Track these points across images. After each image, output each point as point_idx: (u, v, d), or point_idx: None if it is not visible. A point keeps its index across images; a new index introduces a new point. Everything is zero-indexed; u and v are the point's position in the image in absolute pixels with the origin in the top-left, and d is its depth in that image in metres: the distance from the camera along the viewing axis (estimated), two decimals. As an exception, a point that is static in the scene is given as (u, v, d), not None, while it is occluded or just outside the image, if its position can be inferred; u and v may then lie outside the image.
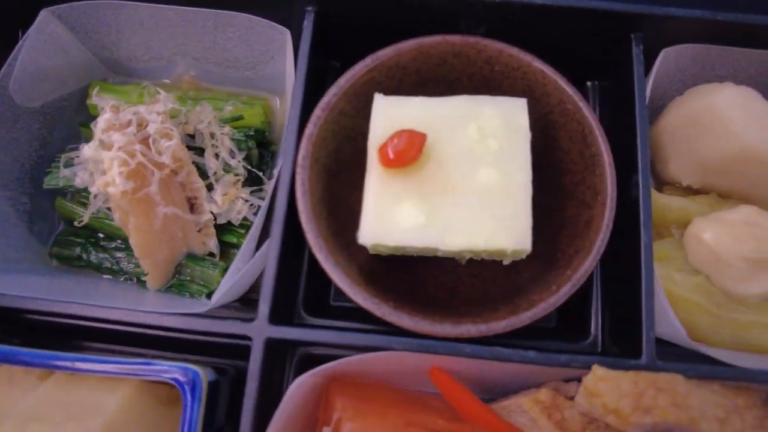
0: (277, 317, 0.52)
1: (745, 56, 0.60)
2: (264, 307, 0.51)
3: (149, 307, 0.53)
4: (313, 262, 0.55)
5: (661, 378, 0.47)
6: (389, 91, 0.57)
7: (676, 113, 0.61)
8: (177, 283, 0.61)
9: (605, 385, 0.46)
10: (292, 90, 0.56)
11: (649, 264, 0.52)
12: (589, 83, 0.66)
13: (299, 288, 0.60)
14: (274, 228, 0.52)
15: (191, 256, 0.61)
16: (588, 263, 0.52)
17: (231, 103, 0.64)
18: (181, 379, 0.49)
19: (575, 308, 0.61)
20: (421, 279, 0.61)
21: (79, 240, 0.63)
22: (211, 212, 0.60)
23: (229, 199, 0.60)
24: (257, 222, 0.53)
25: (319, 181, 0.55)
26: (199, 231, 0.61)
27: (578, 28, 0.59)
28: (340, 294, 0.54)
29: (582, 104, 0.56)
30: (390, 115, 0.52)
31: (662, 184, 0.66)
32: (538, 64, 0.57)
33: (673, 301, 0.58)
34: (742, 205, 0.60)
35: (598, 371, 0.47)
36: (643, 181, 0.54)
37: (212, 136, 0.60)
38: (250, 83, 0.68)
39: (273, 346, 0.51)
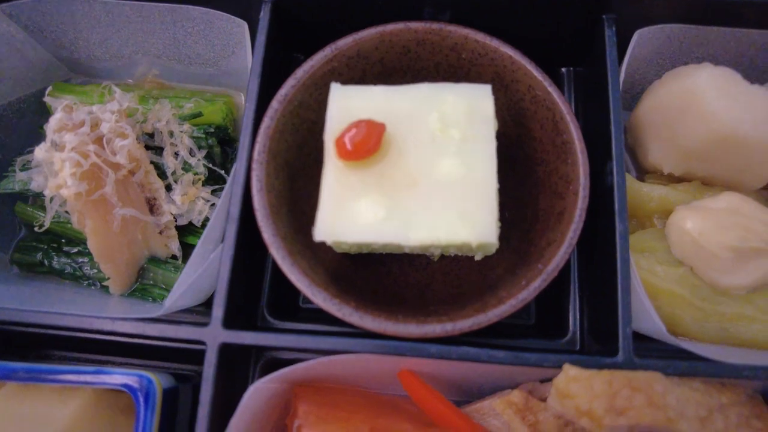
0: (233, 321, 0.49)
1: (724, 36, 0.57)
2: (218, 311, 0.48)
3: (110, 313, 0.51)
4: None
5: (637, 377, 0.44)
6: (352, 81, 0.55)
7: (654, 98, 0.58)
8: (140, 288, 0.59)
9: (577, 386, 0.44)
10: (248, 83, 0.53)
11: (625, 255, 0.49)
12: (564, 70, 0.64)
13: (263, 290, 0.57)
14: (228, 227, 0.50)
15: (153, 260, 0.59)
16: (559, 256, 0.49)
17: (193, 100, 0.62)
18: (134, 386, 0.47)
19: (554, 304, 0.59)
20: (393, 278, 0.59)
21: (42, 246, 0.61)
22: (172, 213, 0.58)
23: (189, 199, 0.58)
24: (212, 222, 0.51)
25: (278, 176, 0.53)
26: (161, 233, 0.59)
27: (548, 11, 0.56)
28: (309, 296, 0.52)
29: (552, 89, 0.53)
30: (347, 105, 0.50)
31: (644, 172, 0.63)
32: (506, 50, 0.54)
33: (655, 295, 0.55)
34: (725, 193, 0.57)
35: (569, 371, 0.44)
36: (618, 169, 0.51)
37: (171, 134, 0.58)
38: (214, 80, 0.66)
39: (230, 351, 0.49)
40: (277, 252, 0.49)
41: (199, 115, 0.59)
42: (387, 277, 0.58)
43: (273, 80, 0.56)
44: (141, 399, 0.47)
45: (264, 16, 0.56)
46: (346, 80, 0.55)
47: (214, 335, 0.48)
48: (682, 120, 0.55)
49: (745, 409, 0.48)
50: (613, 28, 0.55)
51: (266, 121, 0.52)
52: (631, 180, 0.59)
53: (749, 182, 0.57)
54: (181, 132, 0.58)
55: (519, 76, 0.55)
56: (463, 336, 0.54)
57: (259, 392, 0.48)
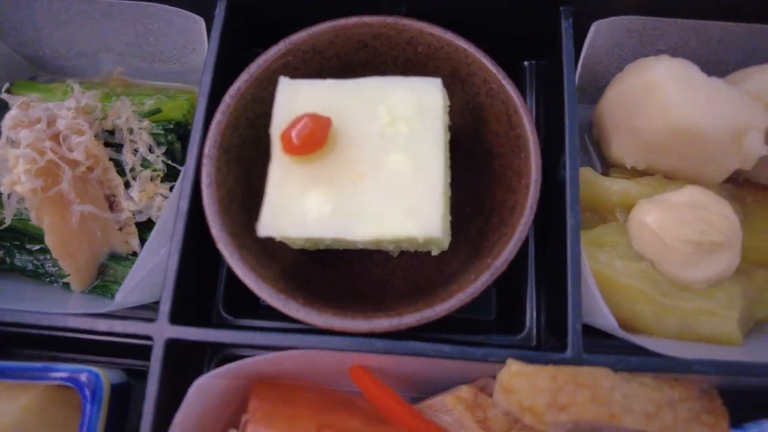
0: (182, 317, 0.49)
1: (684, 28, 0.57)
2: (164, 306, 0.48)
3: (69, 310, 0.51)
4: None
5: (582, 372, 0.43)
6: (309, 75, 0.55)
7: (614, 90, 0.57)
8: (100, 284, 0.59)
9: (520, 381, 0.43)
10: (201, 79, 0.53)
11: (576, 250, 0.48)
12: (526, 63, 0.63)
13: (219, 287, 0.57)
14: (177, 222, 0.50)
15: (114, 256, 0.59)
16: (508, 251, 0.49)
17: (156, 97, 0.62)
18: (80, 381, 0.47)
19: (513, 300, 0.58)
20: (353, 274, 0.58)
21: (4, 243, 0.61)
22: (131, 210, 0.58)
23: (147, 196, 0.58)
24: (162, 218, 0.51)
25: (230, 171, 0.52)
26: (121, 229, 0.59)
27: (506, 4, 0.56)
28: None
29: (506, 82, 0.53)
30: (294, 99, 0.50)
31: (609, 166, 0.62)
32: (461, 43, 0.54)
33: (615, 290, 0.54)
34: (687, 186, 0.56)
35: (512, 366, 0.44)
36: (571, 162, 0.50)
37: (131, 131, 0.58)
38: (179, 77, 0.66)
39: (179, 347, 0.49)
40: (224, 247, 0.49)
41: (158, 111, 0.59)
42: (346, 274, 0.58)
43: (230, 76, 0.55)
44: (87, 394, 0.47)
45: (219, 12, 0.56)
46: (303, 74, 0.55)
47: (161, 330, 0.48)
48: (640, 113, 0.55)
49: (697, 404, 0.47)
50: (570, 20, 0.54)
51: (218, 116, 0.52)
52: (592, 174, 0.59)
53: (710, 176, 0.56)
54: (141, 129, 0.58)
55: (474, 70, 0.54)
56: (422, 331, 0.54)
57: (205, 387, 0.48)
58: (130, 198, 0.57)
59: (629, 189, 0.58)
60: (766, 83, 0.54)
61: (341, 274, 0.58)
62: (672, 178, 0.59)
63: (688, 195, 0.55)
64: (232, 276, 0.58)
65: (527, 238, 0.57)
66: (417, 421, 0.49)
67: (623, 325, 0.55)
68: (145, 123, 0.59)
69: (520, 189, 0.51)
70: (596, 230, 0.57)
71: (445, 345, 0.46)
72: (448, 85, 0.56)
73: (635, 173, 0.60)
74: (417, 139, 0.48)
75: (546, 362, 0.45)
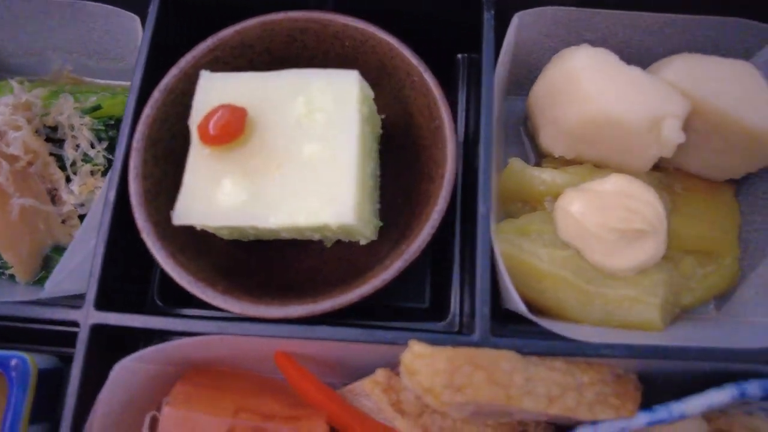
0: (110, 303, 0.51)
1: (609, 19, 0.57)
2: (90, 293, 0.50)
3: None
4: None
5: (481, 355, 0.44)
6: (239, 70, 0.56)
7: (540, 82, 0.58)
8: (44, 276, 0.61)
9: (421, 363, 0.44)
10: (133, 75, 0.55)
11: (486, 237, 0.49)
12: (459, 56, 0.64)
13: (154, 277, 0.59)
14: (104, 212, 0.52)
15: (58, 248, 0.61)
16: (421, 238, 0.50)
17: (100, 95, 0.64)
18: (9, 366, 0.49)
19: (443, 287, 0.59)
20: (286, 264, 0.60)
21: (-44, 236, 0.63)
22: (72, 203, 0.60)
23: (88, 189, 0.59)
24: (92, 208, 0.53)
25: (158, 164, 0.54)
26: (64, 222, 0.61)
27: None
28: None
29: (426, 75, 0.54)
30: (214, 91, 0.51)
31: (542, 157, 0.63)
32: (384, 36, 0.55)
33: (539, 277, 0.55)
34: (613, 175, 0.56)
35: (414, 348, 0.45)
36: (484, 152, 0.51)
37: (72, 127, 0.60)
38: (125, 75, 0.67)
39: (106, 333, 0.50)
40: (147, 237, 0.51)
41: (99, 108, 0.61)
42: (280, 264, 0.59)
43: (165, 72, 0.57)
44: (13, 377, 0.48)
45: (152, 9, 0.57)
46: (233, 69, 0.56)
47: (86, 316, 0.49)
48: (562, 102, 0.56)
49: (608, 388, 0.48)
50: (492, 12, 0.55)
51: (146, 110, 0.54)
52: (521, 164, 0.60)
53: (635, 164, 0.57)
54: (82, 125, 0.60)
55: (398, 63, 0.56)
56: (357, 318, 0.56)
57: (129, 371, 0.49)
58: (71, 192, 0.59)
59: (557, 178, 0.58)
60: (684, 71, 0.54)
61: (274, 265, 0.59)
62: (601, 167, 0.59)
63: (612, 183, 0.56)
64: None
65: (451, 226, 0.58)
66: (335, 405, 0.50)
67: (549, 312, 0.56)
68: (87, 119, 0.61)
69: (437, 179, 0.52)
70: (522, 219, 0.58)
71: (352, 329, 0.47)
72: (377, 79, 0.58)
73: (567, 163, 0.61)
74: (333, 129, 0.50)
75: (453, 345, 0.46)
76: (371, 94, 0.54)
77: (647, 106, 0.52)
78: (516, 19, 0.56)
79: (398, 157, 0.60)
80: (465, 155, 0.58)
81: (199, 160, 0.50)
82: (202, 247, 0.55)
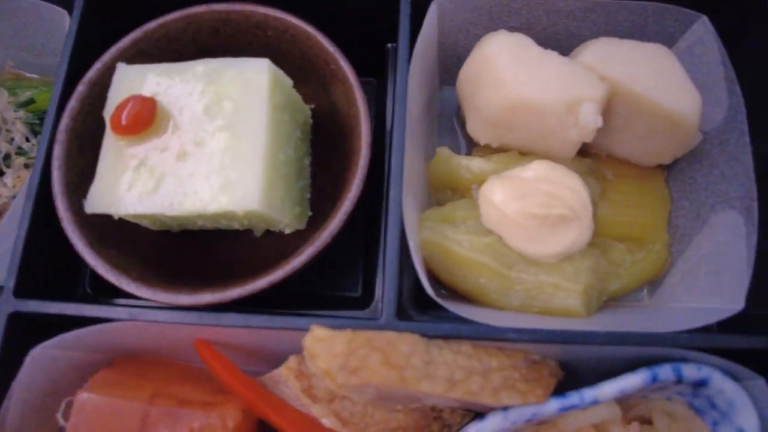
0: (33, 292, 0.52)
1: (532, 4, 0.57)
2: (9, 280, 0.51)
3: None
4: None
5: (379, 337, 0.45)
6: (166, 62, 0.57)
7: (463, 69, 0.58)
8: (-18, 267, 0.62)
9: (321, 346, 0.45)
10: (58, 68, 0.56)
11: (395, 222, 0.50)
12: (389, 46, 0.64)
13: (86, 266, 0.60)
14: (25, 203, 0.53)
15: (-5, 240, 0.62)
16: (333, 225, 0.50)
17: (37, 89, 0.65)
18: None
19: (373, 275, 0.59)
20: (217, 254, 0.60)
21: None
22: (6, 196, 0.61)
23: (21, 182, 0.60)
24: (16, 200, 0.54)
25: (82, 155, 0.55)
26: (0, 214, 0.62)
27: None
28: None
29: (343, 63, 0.55)
30: (129, 83, 0.52)
31: (473, 146, 0.63)
32: (303, 26, 0.56)
33: (460, 263, 0.55)
34: (535, 161, 0.56)
35: (315, 332, 0.45)
36: (397, 139, 0.51)
37: (5, 120, 0.61)
38: (66, 70, 0.68)
39: (27, 321, 0.51)
40: (67, 225, 0.51)
41: (32, 102, 0.62)
42: (209, 254, 0.60)
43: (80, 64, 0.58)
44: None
45: (78, 3, 0.58)
46: (159, 61, 0.56)
47: (5, 304, 0.50)
48: (481, 90, 0.56)
49: (517, 374, 0.48)
50: (409, 1, 0.55)
51: (71, 103, 0.55)
52: (448, 153, 0.60)
53: (558, 150, 0.56)
54: (16, 118, 0.61)
55: (317, 51, 0.56)
56: (283, 307, 0.57)
57: (46, 358, 0.50)
58: (5, 184, 0.60)
59: (482, 166, 0.58)
60: (601, 55, 0.54)
61: (203, 255, 0.60)
62: (526, 155, 0.59)
63: (534, 170, 0.56)
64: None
65: (373, 213, 0.59)
66: (250, 393, 0.51)
67: (472, 298, 0.56)
68: (21, 113, 0.62)
69: (353, 167, 0.53)
70: (447, 207, 0.58)
71: (258, 316, 0.48)
72: (301, 68, 0.58)
73: (495, 151, 0.61)
74: (241, 117, 0.50)
75: (359, 328, 0.46)
76: (288, 82, 0.55)
77: (563, 90, 0.52)
78: (434, 8, 0.56)
79: (327, 146, 0.60)
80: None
81: (111, 150, 0.51)
82: (128, 237, 0.56)
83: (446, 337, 0.47)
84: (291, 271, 0.49)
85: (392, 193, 0.50)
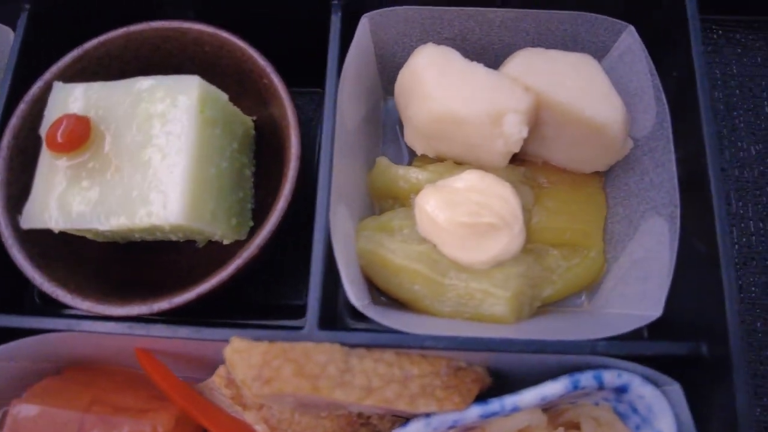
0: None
1: (463, 16, 0.58)
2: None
3: None
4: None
5: (295, 348, 0.46)
6: (109, 79, 0.58)
7: (397, 81, 0.59)
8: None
9: (238, 357, 0.46)
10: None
11: (321, 229, 0.51)
12: (330, 58, 0.65)
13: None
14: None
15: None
16: (259, 238, 0.52)
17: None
18: None
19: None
20: (161, 264, 0.62)
21: None
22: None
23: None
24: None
25: (25, 171, 0.56)
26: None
27: (281, 3, 0.58)
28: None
29: (273, 76, 0.56)
30: (65, 101, 0.54)
31: (413, 155, 0.64)
32: (236, 41, 0.57)
33: (395, 271, 0.56)
34: (467, 171, 0.57)
35: (234, 343, 0.47)
36: (324, 148, 0.52)
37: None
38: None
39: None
40: (8, 240, 0.53)
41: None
42: (157, 265, 0.62)
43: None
44: None
45: (21, 22, 0.60)
46: (102, 78, 0.58)
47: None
48: (412, 101, 0.57)
49: (437, 380, 0.49)
50: (339, 14, 0.56)
51: (13, 120, 0.57)
52: (386, 163, 0.61)
53: (489, 160, 0.57)
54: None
55: (251, 66, 0.57)
56: (226, 317, 0.58)
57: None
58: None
59: (418, 176, 0.59)
60: (525, 65, 0.55)
61: (147, 265, 0.61)
62: (462, 164, 0.60)
63: (465, 179, 0.57)
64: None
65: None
66: (183, 399, 0.52)
67: (407, 305, 0.58)
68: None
69: (284, 178, 0.54)
70: (384, 216, 0.59)
71: (183, 327, 0.49)
72: (240, 81, 0.60)
73: (433, 161, 0.62)
74: (171, 134, 0.51)
75: (283, 339, 0.47)
76: (223, 96, 0.56)
77: (487, 102, 0.53)
78: (366, 21, 0.57)
79: (270, 157, 0.62)
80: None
81: (47, 166, 0.53)
82: (75, 249, 0.58)
83: (366, 346, 0.48)
84: (218, 284, 0.51)
85: (318, 204, 0.51)
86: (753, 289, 0.64)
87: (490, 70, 0.55)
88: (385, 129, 0.67)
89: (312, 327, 0.49)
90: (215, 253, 0.61)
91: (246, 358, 0.46)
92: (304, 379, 0.44)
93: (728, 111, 0.69)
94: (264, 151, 0.63)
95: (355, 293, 0.50)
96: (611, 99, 0.53)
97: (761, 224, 0.66)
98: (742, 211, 0.66)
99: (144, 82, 0.53)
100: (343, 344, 0.48)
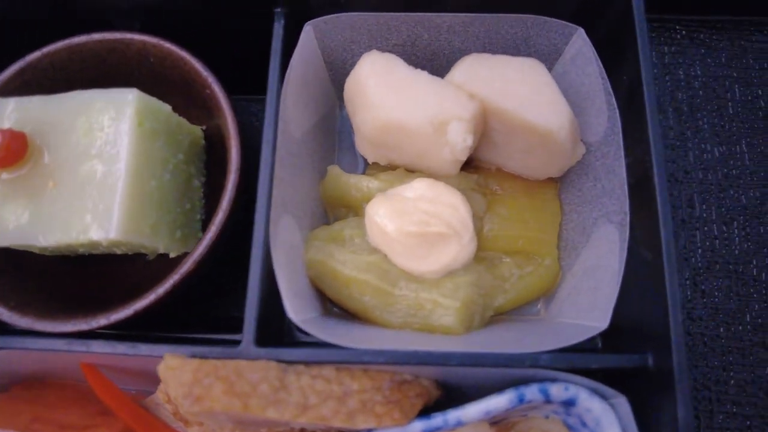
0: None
1: (409, 22, 0.57)
2: None
3: None
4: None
5: (226, 366, 0.45)
6: (55, 92, 0.58)
7: (344, 90, 0.58)
8: None
9: (171, 374, 0.45)
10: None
11: (259, 242, 0.49)
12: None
13: None
14: None
15: None
16: (200, 250, 0.51)
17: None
18: None
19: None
20: (113, 277, 0.61)
21: None
22: None
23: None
24: None
25: (-32, 186, 0.56)
26: None
27: (224, 13, 0.57)
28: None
29: (215, 86, 0.55)
30: (2, 116, 0.53)
31: (367, 164, 0.63)
32: (179, 52, 0.56)
33: (345, 282, 0.55)
34: (417, 179, 0.56)
35: (167, 360, 0.46)
36: (264, 158, 0.51)
37: None
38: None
39: None
40: (-53, 256, 0.53)
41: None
42: (107, 278, 0.61)
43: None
44: None
45: (-37, 36, 0.59)
46: (48, 91, 0.57)
47: None
48: (357, 110, 0.56)
49: (378, 395, 0.48)
50: (282, 21, 0.55)
51: (-45, 136, 0.56)
52: (337, 171, 0.60)
53: (439, 168, 0.56)
54: None
55: (194, 76, 0.57)
56: (177, 331, 0.57)
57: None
58: None
59: (370, 185, 0.58)
60: (470, 72, 0.54)
61: (98, 279, 0.61)
62: (414, 171, 0.59)
63: (414, 188, 0.56)
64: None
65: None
66: (129, 414, 0.52)
67: (358, 316, 0.57)
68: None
69: (225, 189, 0.53)
70: (335, 225, 0.58)
71: (120, 343, 0.48)
72: (187, 92, 0.59)
73: (386, 169, 0.61)
74: (108, 147, 0.51)
75: (220, 356, 0.47)
76: (166, 108, 0.55)
77: (430, 110, 0.52)
78: (309, 29, 0.56)
79: (220, 167, 0.61)
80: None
81: (-18, 182, 0.52)
82: (23, 265, 0.57)
83: (303, 362, 0.47)
84: (155, 300, 0.50)
85: (257, 216, 0.50)
86: (716, 293, 0.63)
87: (435, 78, 0.54)
88: (342, 137, 0.66)
89: (248, 343, 0.48)
90: (165, 266, 0.60)
91: (178, 376, 0.45)
92: (235, 397, 0.44)
93: (692, 112, 0.67)
94: (214, 161, 0.62)
95: (295, 307, 0.49)
96: (557, 104, 0.52)
97: (725, 227, 0.64)
98: (705, 215, 0.65)
99: (82, 96, 0.53)
100: (279, 361, 0.47)
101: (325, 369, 0.48)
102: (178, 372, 0.45)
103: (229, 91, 0.60)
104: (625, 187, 0.51)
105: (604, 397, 0.48)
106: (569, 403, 0.49)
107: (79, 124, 0.52)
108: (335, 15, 0.56)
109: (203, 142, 0.62)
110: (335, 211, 0.62)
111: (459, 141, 0.52)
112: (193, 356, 0.47)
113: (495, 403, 0.48)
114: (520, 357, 0.47)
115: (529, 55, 0.58)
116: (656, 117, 0.49)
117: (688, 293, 0.63)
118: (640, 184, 0.50)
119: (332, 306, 0.60)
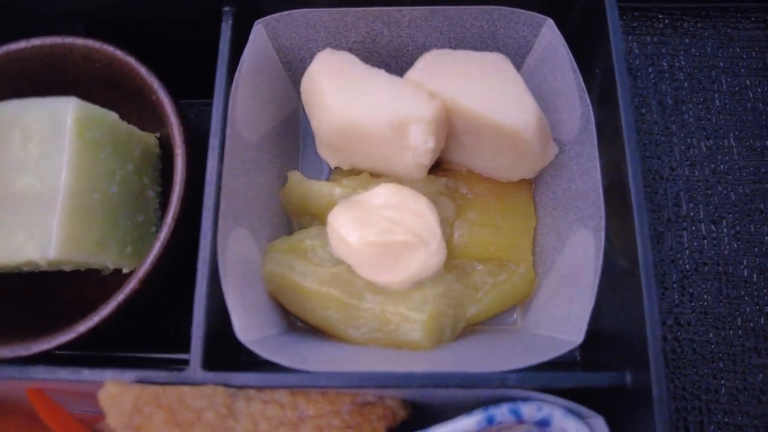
0: None
1: (367, 17, 0.53)
2: None
3: None
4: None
5: (169, 393, 0.42)
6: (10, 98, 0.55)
7: (300, 90, 0.55)
8: None
9: (110, 402, 0.42)
10: None
11: (206, 259, 0.46)
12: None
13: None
14: None
15: None
16: (144, 268, 0.48)
17: None
18: None
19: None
20: (65, 295, 0.58)
21: None
22: None
23: None
24: None
25: None
26: None
27: (171, 14, 0.54)
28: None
29: (160, 92, 0.52)
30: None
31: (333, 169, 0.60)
32: (122, 56, 0.53)
33: (307, 297, 0.52)
34: (381, 185, 0.53)
35: (107, 388, 0.43)
36: (210, 166, 0.48)
37: None
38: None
39: None
40: None
41: None
42: (57, 295, 0.58)
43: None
44: None
45: None
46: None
47: None
48: (313, 112, 0.52)
49: (337, 420, 0.45)
50: (230, 22, 0.52)
51: None
52: (298, 177, 0.57)
53: (404, 172, 0.53)
54: None
55: (140, 82, 0.53)
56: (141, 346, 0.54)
57: None
58: None
59: (333, 191, 0.55)
60: (430, 70, 0.50)
61: (54, 295, 0.58)
62: (378, 176, 0.56)
63: (378, 194, 0.52)
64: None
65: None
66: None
67: (320, 331, 0.53)
68: None
69: (170, 203, 0.50)
70: (296, 235, 0.55)
71: (61, 369, 0.44)
72: (138, 97, 0.56)
73: (350, 173, 0.57)
74: (48, 160, 0.48)
75: (165, 381, 0.44)
76: (111, 116, 0.52)
77: (388, 111, 0.48)
78: (260, 28, 0.53)
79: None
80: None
81: None
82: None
83: (255, 387, 0.44)
84: (99, 322, 0.47)
85: (203, 231, 0.47)
86: (705, 297, 0.59)
87: (393, 77, 0.50)
88: (306, 140, 0.63)
89: (195, 367, 0.44)
90: (122, 281, 0.57)
91: (118, 404, 0.42)
92: (177, 427, 0.41)
93: (676, 105, 0.63)
94: (171, 170, 0.59)
95: (246, 326, 0.46)
96: (523, 102, 0.48)
97: (713, 227, 0.61)
98: (692, 213, 0.61)
99: (17, 105, 0.50)
100: (228, 385, 0.44)
101: (279, 393, 0.45)
102: (119, 400, 0.42)
103: (187, 95, 0.57)
104: (600, 189, 0.48)
105: (580, 416, 0.45)
106: (543, 423, 0.45)
107: (13, 136, 0.49)
108: (287, 12, 0.52)
109: (158, 150, 0.59)
110: (300, 220, 0.59)
111: (420, 144, 0.49)
112: (138, 381, 0.44)
113: (463, 424, 0.45)
114: (487, 377, 0.43)
115: (497, 49, 0.55)
116: (630, 113, 0.45)
117: (676, 297, 0.60)
118: (615, 187, 0.46)
119: (296, 321, 0.56)
